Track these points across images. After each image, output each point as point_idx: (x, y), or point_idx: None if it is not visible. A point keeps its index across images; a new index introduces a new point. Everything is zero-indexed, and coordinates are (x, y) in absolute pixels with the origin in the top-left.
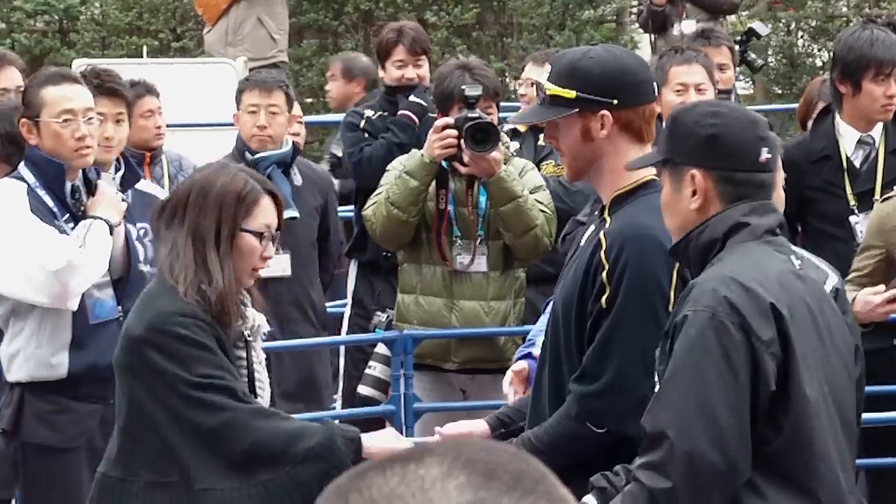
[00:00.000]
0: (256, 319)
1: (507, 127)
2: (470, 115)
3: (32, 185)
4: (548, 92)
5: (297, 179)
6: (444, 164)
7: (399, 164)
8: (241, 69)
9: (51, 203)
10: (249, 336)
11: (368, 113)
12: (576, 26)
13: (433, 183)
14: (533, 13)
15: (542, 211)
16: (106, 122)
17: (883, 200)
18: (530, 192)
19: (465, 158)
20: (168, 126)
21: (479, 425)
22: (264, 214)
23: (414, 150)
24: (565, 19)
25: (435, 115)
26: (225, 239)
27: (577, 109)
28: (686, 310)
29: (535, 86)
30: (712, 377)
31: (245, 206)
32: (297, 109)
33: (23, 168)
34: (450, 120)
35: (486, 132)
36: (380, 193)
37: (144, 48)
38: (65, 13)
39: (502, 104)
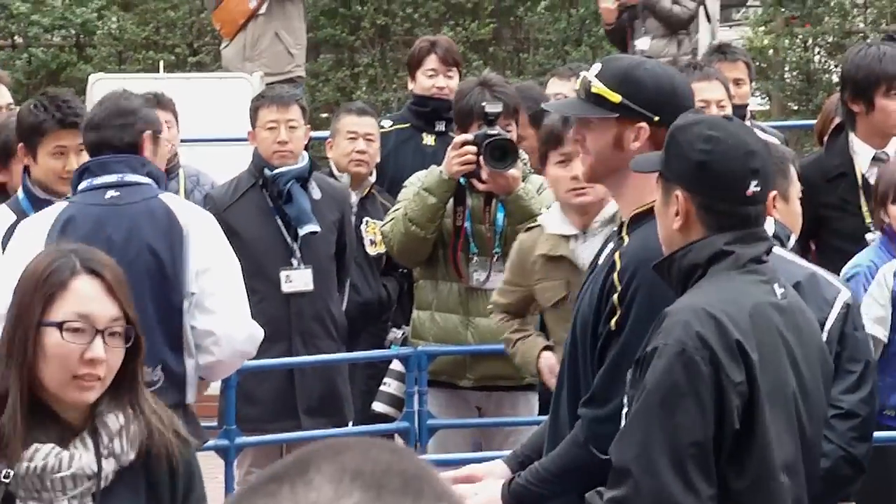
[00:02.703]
0: (56, 461)
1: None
2: (489, 131)
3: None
4: (593, 90)
5: (316, 193)
6: (461, 180)
7: (417, 181)
8: (258, 84)
9: None
10: (33, 484)
11: (385, 123)
12: (592, 42)
13: (451, 200)
14: (550, 28)
15: None
16: (68, 154)
17: (526, 230)
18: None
19: (484, 175)
20: (184, 141)
21: (498, 467)
22: (76, 300)
23: (433, 167)
24: (582, 35)
25: (454, 133)
26: (19, 341)
27: (617, 115)
28: (657, 341)
29: (578, 79)
30: (680, 414)
31: (44, 291)
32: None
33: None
34: (468, 137)
35: (504, 149)
36: (397, 209)
37: (161, 63)
38: (82, 28)
39: None
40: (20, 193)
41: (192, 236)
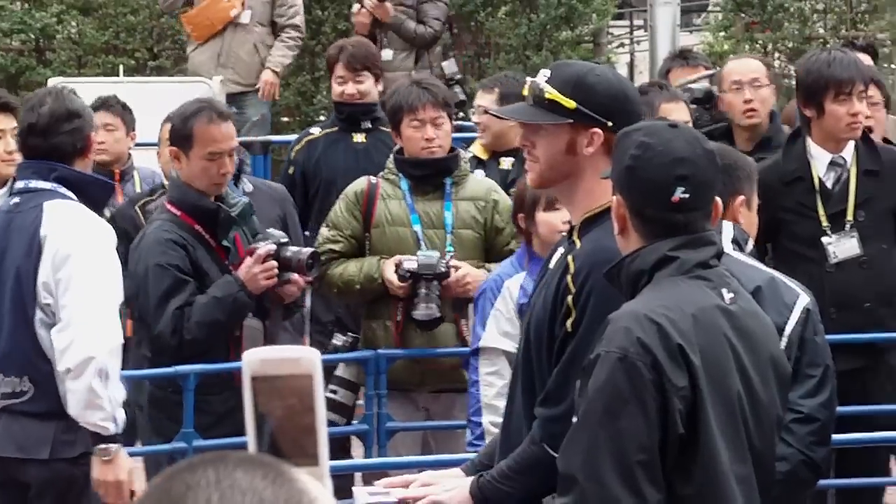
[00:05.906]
0: None
1: (468, 155)
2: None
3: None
4: (547, 96)
5: (248, 186)
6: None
7: (357, 278)
8: (218, 88)
9: None
10: None
11: (314, 130)
12: (553, 47)
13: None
14: (510, 34)
15: None
16: (5, 136)
17: None
18: (504, 223)
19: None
20: (143, 144)
21: (455, 475)
22: None
23: (371, 261)
24: (542, 40)
25: (384, 127)
26: None
27: (570, 121)
28: (599, 349)
29: (526, 85)
30: (624, 420)
31: None
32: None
33: (63, 190)
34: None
35: (430, 326)
36: (333, 271)
37: (121, 67)
38: (41, 32)
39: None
40: None
41: (48, 247)
